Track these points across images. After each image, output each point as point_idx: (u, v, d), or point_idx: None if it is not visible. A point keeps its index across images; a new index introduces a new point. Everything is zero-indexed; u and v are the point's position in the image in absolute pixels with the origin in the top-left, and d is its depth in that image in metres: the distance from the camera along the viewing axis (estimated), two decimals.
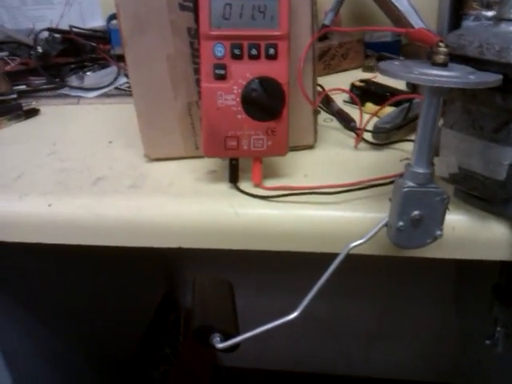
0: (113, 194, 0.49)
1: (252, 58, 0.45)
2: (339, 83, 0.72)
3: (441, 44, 0.35)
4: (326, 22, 0.80)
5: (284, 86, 0.45)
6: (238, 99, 0.45)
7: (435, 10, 0.90)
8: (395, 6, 0.73)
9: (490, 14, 0.74)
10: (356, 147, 0.54)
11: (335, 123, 0.61)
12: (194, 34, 0.48)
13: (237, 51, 0.44)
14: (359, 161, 0.52)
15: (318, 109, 0.58)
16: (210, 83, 0.45)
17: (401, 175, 0.38)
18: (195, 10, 0.45)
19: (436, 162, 0.42)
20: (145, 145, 0.54)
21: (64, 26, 0.98)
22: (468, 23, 0.74)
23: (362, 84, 0.66)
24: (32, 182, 0.52)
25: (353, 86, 0.67)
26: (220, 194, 0.47)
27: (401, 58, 0.78)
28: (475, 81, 0.32)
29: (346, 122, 0.58)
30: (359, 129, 0.54)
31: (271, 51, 0.45)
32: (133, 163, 0.54)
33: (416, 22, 0.74)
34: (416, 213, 0.37)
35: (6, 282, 0.70)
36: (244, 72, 0.45)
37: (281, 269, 1.16)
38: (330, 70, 0.78)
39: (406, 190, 0.37)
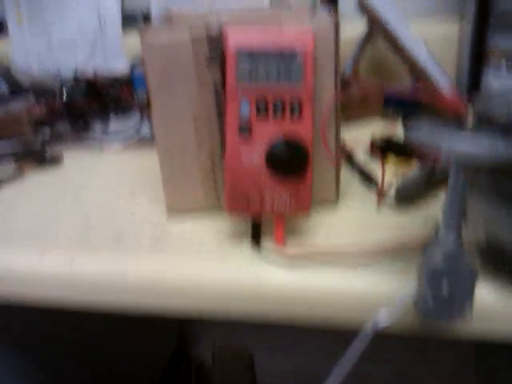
0: (134, 252, 0.49)
1: (277, 116, 0.45)
2: (359, 132, 0.73)
3: (469, 112, 0.34)
4: (346, 71, 0.81)
5: (308, 145, 0.45)
6: (262, 158, 0.45)
7: (454, 58, 0.91)
8: (414, 56, 0.73)
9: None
10: (378, 207, 0.54)
11: (357, 176, 0.61)
12: (220, 90, 0.49)
13: (262, 109, 0.45)
14: (383, 222, 0.51)
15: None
16: (234, 141, 0.45)
17: (428, 246, 0.37)
18: (222, 67, 0.46)
19: (462, 228, 0.41)
20: (167, 198, 0.54)
21: (89, 70, 1.00)
22: (490, 75, 0.74)
23: (383, 136, 0.66)
24: (53, 236, 0.52)
25: (374, 138, 0.67)
26: (241, 256, 0.47)
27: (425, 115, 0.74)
28: (507, 154, 0.32)
29: (368, 179, 0.57)
30: (381, 190, 0.54)
31: (296, 110, 0.45)
32: (155, 217, 0.54)
33: (436, 74, 0.74)
34: (445, 287, 0.36)
35: (19, 337, 0.69)
36: (269, 130, 0.45)
37: (300, 330, 1.12)
38: (350, 117, 0.78)
39: (434, 262, 0.36)
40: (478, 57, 0.74)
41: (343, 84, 0.81)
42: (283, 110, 0.45)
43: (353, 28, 0.86)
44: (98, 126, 0.79)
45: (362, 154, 0.66)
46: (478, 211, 0.40)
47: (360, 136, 0.70)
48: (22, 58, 1.05)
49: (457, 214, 0.36)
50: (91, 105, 0.84)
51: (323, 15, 0.53)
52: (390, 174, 0.58)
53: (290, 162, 0.45)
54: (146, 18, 1.00)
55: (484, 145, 0.33)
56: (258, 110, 0.44)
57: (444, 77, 0.78)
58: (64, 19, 1.03)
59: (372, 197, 0.56)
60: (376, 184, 0.56)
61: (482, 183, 0.39)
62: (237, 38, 0.44)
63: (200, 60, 0.48)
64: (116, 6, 1.00)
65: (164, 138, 0.51)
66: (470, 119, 0.35)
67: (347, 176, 0.61)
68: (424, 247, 0.38)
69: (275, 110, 0.45)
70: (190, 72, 0.48)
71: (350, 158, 0.64)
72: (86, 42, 1.01)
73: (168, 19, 0.62)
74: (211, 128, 0.50)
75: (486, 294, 0.40)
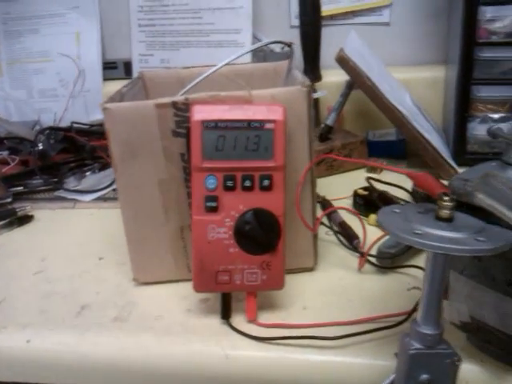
0: (96, 328, 0.46)
1: (245, 189, 0.43)
2: (342, 185, 0.70)
3: (445, 198, 0.32)
4: (329, 123, 0.79)
5: (279, 217, 0.43)
6: (230, 232, 0.43)
7: (441, 101, 0.90)
8: (398, 110, 0.71)
9: (496, 116, 0.72)
10: (359, 270, 0.51)
11: (336, 235, 0.58)
12: (188, 160, 0.46)
13: (229, 183, 0.42)
14: (363, 288, 0.48)
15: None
16: (200, 216, 0.43)
17: (406, 334, 0.35)
18: (187, 141, 0.44)
19: (446, 305, 0.38)
20: (134, 269, 0.51)
21: (68, 118, 0.99)
22: (474, 125, 0.73)
23: (365, 193, 0.64)
24: (13, 309, 0.49)
25: (356, 194, 0.65)
26: (210, 332, 0.44)
27: (402, 202, 0.63)
28: (483, 248, 0.29)
29: (349, 239, 0.55)
30: (362, 253, 0.51)
31: (266, 182, 0.43)
32: (121, 287, 0.51)
33: (421, 125, 0.73)
34: (424, 377, 0.34)
35: None
36: (237, 204, 0.43)
37: None
38: (333, 170, 0.76)
39: (412, 352, 0.33)
40: (463, 104, 0.72)
41: (325, 135, 0.79)
42: (252, 182, 0.42)
43: (336, 75, 0.84)
44: (71, 180, 0.76)
45: (343, 210, 0.63)
46: (462, 288, 0.37)
47: (342, 190, 0.68)
48: (1, 106, 1.03)
49: (435, 304, 0.33)
50: (66, 156, 0.82)
51: (298, 79, 0.51)
52: (372, 231, 0.56)
53: (259, 235, 0.42)
54: (127, 66, 0.99)
55: (461, 235, 0.30)
56: (225, 184, 0.42)
57: (429, 125, 0.77)
58: (44, 68, 1.01)
59: (352, 258, 0.53)
60: (357, 242, 0.54)
61: (465, 260, 0.36)
62: (202, 110, 0.42)
63: (166, 131, 0.45)
64: (96, 55, 0.99)
65: (129, 207, 0.48)
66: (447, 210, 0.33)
67: (327, 235, 0.58)
68: (401, 335, 0.35)
69: (244, 183, 0.42)
70: (155, 140, 0.46)
71: (330, 214, 0.61)
72: (66, 91, 1.00)
73: (141, 81, 0.61)
74: (178, 193, 0.48)
75: (471, 369, 0.38)
